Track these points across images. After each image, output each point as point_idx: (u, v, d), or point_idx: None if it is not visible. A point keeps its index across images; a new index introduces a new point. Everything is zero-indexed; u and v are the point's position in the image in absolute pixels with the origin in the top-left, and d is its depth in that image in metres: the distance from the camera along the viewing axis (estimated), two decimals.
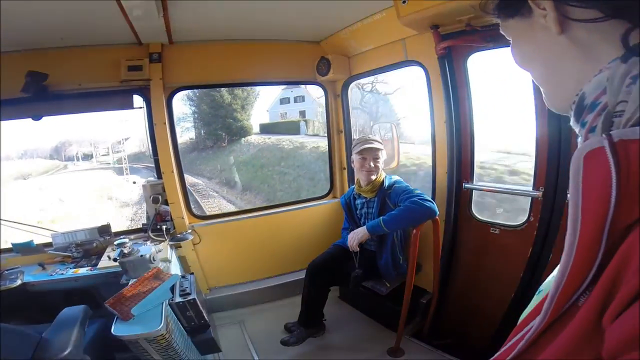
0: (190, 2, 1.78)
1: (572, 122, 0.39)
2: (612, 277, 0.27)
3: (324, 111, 2.83)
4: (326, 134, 2.96)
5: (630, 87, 0.29)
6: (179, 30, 2.16)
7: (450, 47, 1.87)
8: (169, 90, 2.39)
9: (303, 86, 14.26)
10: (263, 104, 16.62)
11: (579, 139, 0.37)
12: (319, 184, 8.64)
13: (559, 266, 0.31)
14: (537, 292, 0.45)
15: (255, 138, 12.74)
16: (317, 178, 8.97)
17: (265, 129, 14.67)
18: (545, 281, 0.45)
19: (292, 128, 13.63)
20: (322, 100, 2.85)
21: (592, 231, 0.28)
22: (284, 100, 17.07)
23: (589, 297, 0.28)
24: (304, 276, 2.18)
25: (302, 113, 16.01)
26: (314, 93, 14.39)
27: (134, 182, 7.14)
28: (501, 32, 0.47)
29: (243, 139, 12.76)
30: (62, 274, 1.97)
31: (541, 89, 0.44)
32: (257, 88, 14.16)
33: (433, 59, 1.95)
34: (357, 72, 2.64)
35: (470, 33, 1.73)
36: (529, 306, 0.46)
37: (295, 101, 16.52)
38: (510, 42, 0.45)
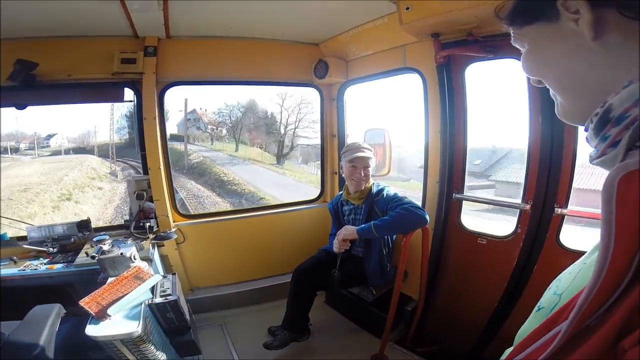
0: None
1: (588, 136, 0.36)
2: (633, 306, 0.26)
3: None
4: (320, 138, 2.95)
5: None
6: (178, 24, 2.11)
7: (450, 56, 1.87)
8: (162, 85, 2.33)
9: (203, 110, 21.96)
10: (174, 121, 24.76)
11: (593, 153, 0.35)
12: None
13: (585, 288, 0.29)
14: (536, 309, 0.43)
15: None
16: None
17: (172, 137, 22.89)
18: (545, 298, 0.43)
19: (179, 139, 21.82)
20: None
21: (622, 259, 0.26)
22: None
23: (606, 321, 0.27)
24: (290, 280, 2.13)
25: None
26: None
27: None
28: (512, 42, 0.44)
29: None
30: (36, 269, 1.88)
31: (556, 100, 0.41)
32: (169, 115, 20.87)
33: (431, 67, 1.95)
34: (355, 77, 2.63)
35: (471, 43, 1.74)
36: (527, 323, 0.44)
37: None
38: (525, 50, 0.42)
